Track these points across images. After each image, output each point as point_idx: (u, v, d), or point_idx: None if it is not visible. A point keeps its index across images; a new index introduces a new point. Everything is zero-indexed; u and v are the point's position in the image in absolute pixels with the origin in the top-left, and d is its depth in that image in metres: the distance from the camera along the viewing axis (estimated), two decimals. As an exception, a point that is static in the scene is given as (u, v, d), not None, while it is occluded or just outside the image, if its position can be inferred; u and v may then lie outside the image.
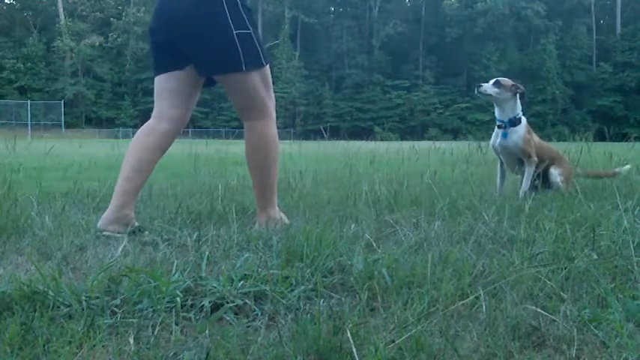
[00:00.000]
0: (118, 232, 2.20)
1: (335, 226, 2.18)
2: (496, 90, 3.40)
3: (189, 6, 2.27)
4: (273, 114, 2.46)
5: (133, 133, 2.60)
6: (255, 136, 2.41)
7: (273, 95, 2.47)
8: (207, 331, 1.22)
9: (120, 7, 56.35)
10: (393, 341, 1.14)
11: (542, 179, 3.48)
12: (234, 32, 2.27)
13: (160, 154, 2.43)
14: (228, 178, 4.22)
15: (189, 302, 1.37)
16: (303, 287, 1.47)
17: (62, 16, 53.01)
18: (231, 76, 2.34)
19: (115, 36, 54.01)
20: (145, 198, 3.10)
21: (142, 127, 2.44)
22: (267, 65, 2.42)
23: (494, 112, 3.51)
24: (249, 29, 2.31)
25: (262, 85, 2.39)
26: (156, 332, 1.21)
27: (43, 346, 1.12)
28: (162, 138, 2.40)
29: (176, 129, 2.45)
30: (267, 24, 61.80)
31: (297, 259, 1.70)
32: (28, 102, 42.35)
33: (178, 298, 1.35)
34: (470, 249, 1.84)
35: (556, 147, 3.84)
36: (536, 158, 3.42)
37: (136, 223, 2.30)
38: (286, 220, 2.43)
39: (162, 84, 2.41)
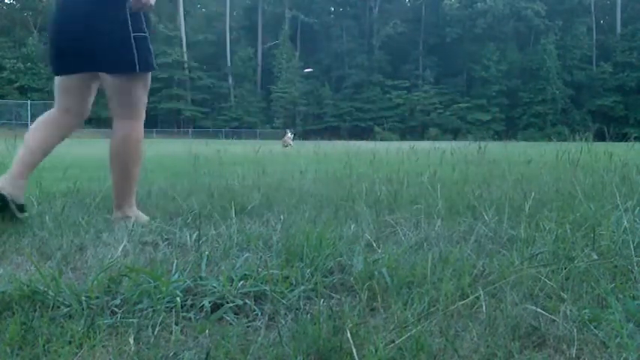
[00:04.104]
0: (9, 195, 2.26)
1: (335, 226, 2.18)
2: None
3: (92, 4, 2.38)
4: (143, 116, 2.58)
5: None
6: (125, 134, 2.50)
7: (146, 99, 2.61)
8: (207, 331, 1.22)
9: (120, 7, 56.33)
10: (393, 341, 1.14)
11: None
12: (132, 34, 2.39)
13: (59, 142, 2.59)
14: (228, 178, 4.22)
15: (189, 302, 1.37)
16: (303, 287, 1.47)
17: (62, 16, 52.95)
18: (124, 76, 2.46)
19: (115, 36, 53.98)
20: (144, 198, 3.10)
21: (49, 116, 2.55)
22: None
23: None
24: (145, 32, 2.44)
25: (144, 87, 2.55)
26: (156, 332, 1.21)
27: (43, 346, 1.12)
28: (68, 130, 2.60)
29: (80, 123, 2.66)
30: (267, 24, 61.84)
31: (297, 259, 1.70)
32: (28, 102, 42.30)
33: (178, 298, 1.35)
34: (470, 249, 1.84)
35: None
36: None
37: (22, 201, 2.35)
38: (144, 219, 2.49)
39: (67, 82, 2.53)
